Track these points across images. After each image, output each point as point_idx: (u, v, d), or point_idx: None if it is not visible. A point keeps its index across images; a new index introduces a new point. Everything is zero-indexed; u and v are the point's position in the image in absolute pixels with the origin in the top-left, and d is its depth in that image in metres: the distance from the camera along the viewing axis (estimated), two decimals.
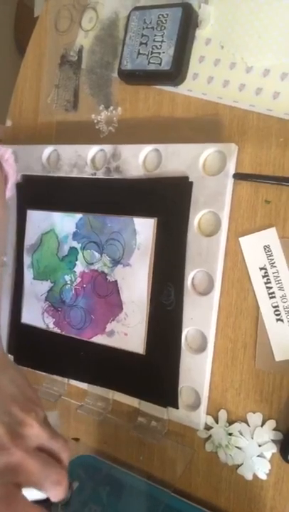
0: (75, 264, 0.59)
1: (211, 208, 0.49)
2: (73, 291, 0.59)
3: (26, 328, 0.64)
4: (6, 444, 0.36)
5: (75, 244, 0.59)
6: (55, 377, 0.62)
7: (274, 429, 0.47)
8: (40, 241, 0.62)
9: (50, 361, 0.62)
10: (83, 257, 0.58)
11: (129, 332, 0.54)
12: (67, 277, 0.59)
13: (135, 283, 0.53)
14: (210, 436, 0.50)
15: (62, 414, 0.64)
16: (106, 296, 0.56)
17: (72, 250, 0.59)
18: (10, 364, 0.43)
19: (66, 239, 0.60)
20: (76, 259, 0.59)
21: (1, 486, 0.34)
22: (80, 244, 0.58)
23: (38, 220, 0.62)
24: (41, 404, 0.40)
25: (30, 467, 0.36)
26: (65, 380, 0.61)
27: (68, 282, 0.59)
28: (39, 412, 0.39)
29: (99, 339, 0.57)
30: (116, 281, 0.55)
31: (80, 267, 0.58)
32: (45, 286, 0.62)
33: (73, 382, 0.60)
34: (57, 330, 0.60)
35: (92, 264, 0.57)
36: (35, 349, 0.63)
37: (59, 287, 0.60)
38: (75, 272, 0.59)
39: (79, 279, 0.58)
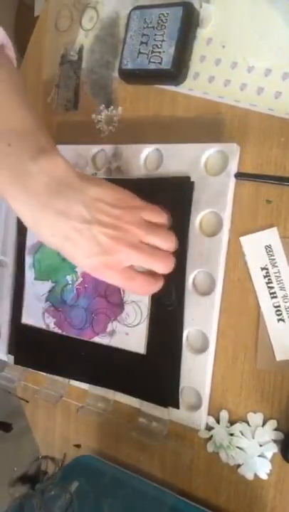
0: None
1: (212, 208, 0.49)
2: (75, 292, 0.59)
3: (27, 329, 0.63)
4: (109, 244, 0.41)
5: None
6: (56, 378, 0.62)
7: (275, 429, 0.46)
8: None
9: (51, 362, 0.61)
10: None
11: (130, 332, 0.54)
12: (68, 277, 0.59)
13: None
14: (211, 436, 0.50)
15: (62, 415, 0.64)
16: (107, 295, 0.56)
17: None
18: (92, 182, 0.43)
19: None
20: None
21: (120, 272, 0.43)
22: None
23: None
24: (136, 204, 0.44)
25: (137, 259, 0.43)
26: (66, 380, 0.61)
27: (70, 282, 0.59)
28: (134, 213, 0.43)
29: (100, 339, 0.57)
30: None
31: None
32: (46, 286, 0.61)
33: (74, 383, 0.60)
34: (58, 330, 0.60)
35: None
36: (35, 349, 0.63)
37: (60, 287, 0.60)
38: (76, 272, 0.59)
39: (81, 279, 0.58)
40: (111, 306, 0.55)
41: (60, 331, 0.60)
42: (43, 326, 0.61)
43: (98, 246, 0.41)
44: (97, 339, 0.57)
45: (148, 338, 0.53)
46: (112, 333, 0.55)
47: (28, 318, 0.63)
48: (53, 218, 0.40)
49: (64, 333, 0.60)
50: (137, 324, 0.53)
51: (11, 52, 0.48)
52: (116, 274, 0.42)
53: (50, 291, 0.61)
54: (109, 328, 0.56)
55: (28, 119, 0.42)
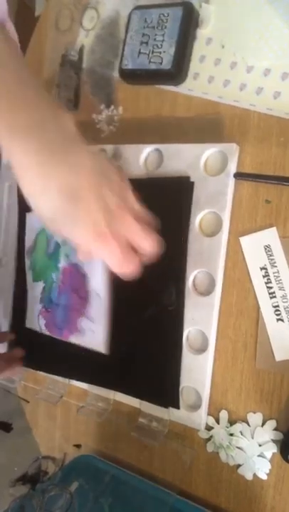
0: (59, 260, 0.58)
1: (212, 208, 0.49)
2: (58, 289, 0.58)
3: (27, 332, 0.63)
4: (116, 209, 0.38)
5: (58, 238, 0.58)
6: (56, 378, 0.62)
7: (274, 429, 0.47)
8: (35, 241, 0.62)
9: (50, 363, 0.61)
10: (64, 251, 0.57)
11: (95, 329, 0.54)
12: (54, 275, 0.59)
13: (94, 273, 0.52)
14: (211, 436, 0.50)
15: (62, 415, 0.64)
16: (78, 289, 0.55)
17: (56, 245, 0.58)
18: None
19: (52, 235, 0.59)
20: (59, 255, 0.58)
21: (122, 247, 0.39)
22: (60, 239, 0.57)
23: (34, 222, 0.62)
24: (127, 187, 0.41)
25: (136, 229, 0.39)
26: (66, 380, 0.61)
27: (55, 280, 0.58)
28: (127, 202, 0.40)
29: (74, 338, 0.56)
30: (85, 273, 0.54)
31: (62, 263, 0.57)
32: (40, 287, 0.61)
33: (74, 383, 0.60)
34: (47, 332, 0.60)
35: (68, 257, 0.56)
36: (35, 352, 0.63)
37: (49, 286, 0.59)
38: (59, 268, 0.58)
39: (61, 276, 0.58)
40: (81, 301, 0.55)
41: (48, 333, 0.60)
42: (37, 329, 0.61)
43: (105, 207, 0.38)
44: (72, 338, 0.56)
45: (111, 337, 0.52)
46: (82, 331, 0.55)
47: (28, 322, 0.63)
48: (65, 170, 0.37)
49: (51, 335, 0.59)
50: (99, 320, 0.53)
51: (11, 29, 0.46)
52: (117, 248, 0.39)
53: (42, 292, 0.61)
54: (79, 326, 0.55)
55: (41, 90, 0.41)
